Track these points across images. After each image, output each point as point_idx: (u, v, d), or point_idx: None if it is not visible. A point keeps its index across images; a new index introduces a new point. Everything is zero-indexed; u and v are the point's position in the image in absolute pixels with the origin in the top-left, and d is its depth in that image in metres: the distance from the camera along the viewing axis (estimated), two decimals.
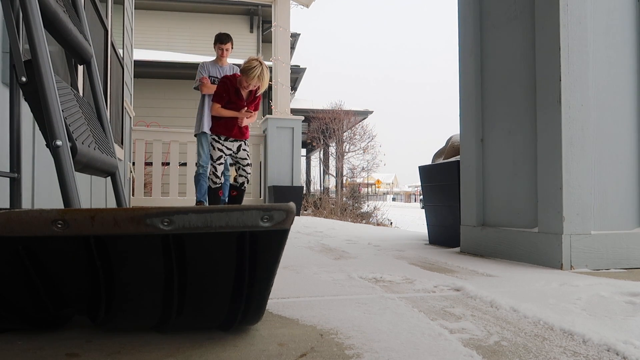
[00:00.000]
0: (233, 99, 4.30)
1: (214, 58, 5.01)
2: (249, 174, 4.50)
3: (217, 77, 4.90)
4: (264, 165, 6.37)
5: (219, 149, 4.39)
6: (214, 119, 4.40)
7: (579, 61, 1.80)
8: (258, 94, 4.43)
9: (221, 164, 4.41)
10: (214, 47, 4.95)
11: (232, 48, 4.97)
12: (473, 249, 2.29)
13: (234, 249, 0.74)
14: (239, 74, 4.34)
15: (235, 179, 4.50)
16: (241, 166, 4.47)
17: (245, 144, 4.47)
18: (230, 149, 4.45)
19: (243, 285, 0.78)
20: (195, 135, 4.96)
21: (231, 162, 4.55)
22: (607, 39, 1.89)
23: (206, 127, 4.80)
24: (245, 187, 4.50)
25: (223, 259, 0.76)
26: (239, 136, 4.43)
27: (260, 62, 4.14)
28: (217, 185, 4.46)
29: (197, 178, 4.94)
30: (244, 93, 4.35)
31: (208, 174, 4.41)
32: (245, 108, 4.34)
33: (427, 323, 1.00)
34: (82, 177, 2.85)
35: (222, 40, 4.89)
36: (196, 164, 4.94)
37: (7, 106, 1.31)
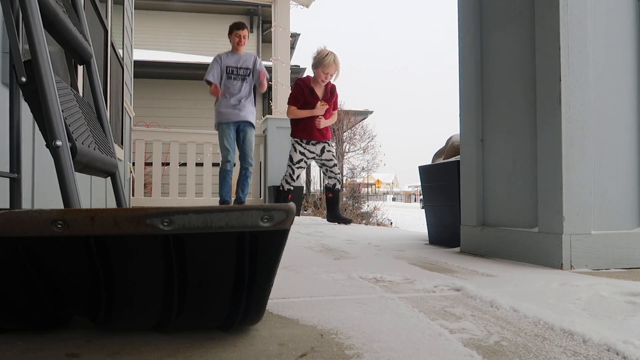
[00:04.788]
0: (309, 99, 4.29)
1: (228, 50, 4.78)
2: (338, 173, 4.45)
3: (235, 67, 4.65)
4: (264, 165, 6.38)
5: (300, 152, 4.33)
6: (293, 122, 4.38)
7: (579, 61, 1.80)
8: (335, 90, 4.39)
9: (300, 167, 4.34)
10: (229, 37, 4.72)
11: (248, 37, 4.77)
12: (473, 249, 2.28)
13: (234, 249, 0.74)
14: (310, 75, 4.36)
15: (327, 182, 4.50)
16: (328, 168, 4.44)
17: (329, 145, 4.42)
18: (314, 152, 4.38)
19: (243, 285, 0.78)
20: (215, 128, 4.78)
21: (319, 165, 4.54)
22: (607, 39, 1.89)
23: (222, 118, 4.61)
24: (338, 188, 4.48)
25: (223, 259, 0.76)
26: (320, 138, 4.36)
27: (329, 50, 4.26)
28: (289, 188, 4.36)
29: (223, 175, 4.69)
30: (319, 91, 4.35)
31: (284, 176, 4.36)
32: (320, 102, 4.30)
33: (427, 323, 1.00)
34: (82, 177, 2.85)
35: (238, 26, 4.69)
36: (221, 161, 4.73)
37: (7, 106, 1.31)
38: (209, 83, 4.64)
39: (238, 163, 4.84)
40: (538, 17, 1.91)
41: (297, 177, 4.46)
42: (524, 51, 2.01)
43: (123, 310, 0.82)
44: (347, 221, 4.50)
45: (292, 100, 4.35)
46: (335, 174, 4.42)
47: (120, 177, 1.64)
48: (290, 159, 4.35)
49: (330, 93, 4.41)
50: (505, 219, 2.12)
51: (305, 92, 4.29)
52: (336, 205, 4.52)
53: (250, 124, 4.71)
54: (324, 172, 4.55)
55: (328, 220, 4.59)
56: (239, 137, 4.71)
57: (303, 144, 4.34)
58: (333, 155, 4.41)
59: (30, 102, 1.14)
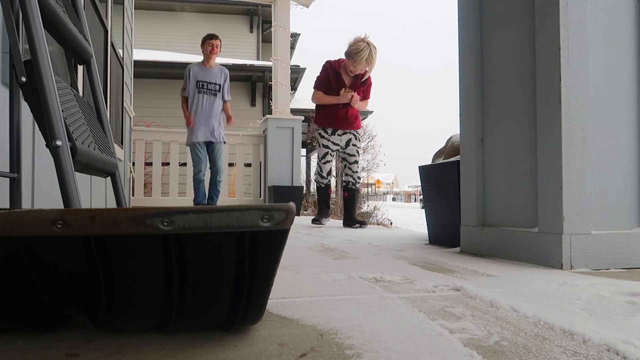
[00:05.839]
0: (334, 84, 3.93)
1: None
2: (356, 172, 4.09)
3: (205, 81, 4.65)
4: (263, 165, 6.38)
5: (323, 145, 4.01)
6: (316, 108, 4.07)
7: (579, 61, 1.80)
8: (365, 78, 3.96)
9: (327, 162, 4.06)
10: (202, 48, 4.72)
11: (220, 47, 4.76)
12: (473, 249, 2.29)
13: (234, 249, 0.74)
14: (343, 58, 3.93)
15: (344, 180, 4.18)
16: (347, 164, 4.10)
17: (356, 138, 4.07)
18: (338, 145, 4.04)
19: (243, 285, 0.78)
20: (187, 146, 4.83)
21: (342, 157, 4.18)
22: (607, 39, 1.89)
23: (193, 137, 4.64)
24: (356, 187, 4.13)
25: (223, 259, 0.76)
26: (345, 126, 4.00)
27: (367, 42, 3.78)
28: (326, 183, 4.12)
29: (196, 183, 4.78)
30: (347, 79, 3.96)
31: (314, 175, 4.16)
32: (344, 89, 3.91)
33: (427, 323, 1.00)
34: (82, 177, 2.85)
35: (211, 36, 4.68)
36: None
37: (7, 106, 1.31)
38: (185, 98, 4.73)
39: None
40: (538, 17, 1.91)
41: (329, 172, 4.12)
42: (524, 51, 2.01)
43: (123, 310, 0.82)
44: (361, 224, 4.17)
45: (317, 84, 3.99)
46: (352, 172, 4.08)
47: (120, 177, 1.64)
48: (317, 155, 4.12)
49: (361, 82, 3.97)
50: (505, 219, 2.12)
51: (330, 76, 3.92)
52: (351, 207, 4.17)
53: (219, 142, 4.78)
54: (343, 167, 4.19)
55: (343, 224, 4.24)
56: (209, 150, 4.77)
57: (327, 135, 4.00)
58: (357, 151, 4.06)
59: (30, 102, 1.14)
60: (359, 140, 4.12)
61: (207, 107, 4.65)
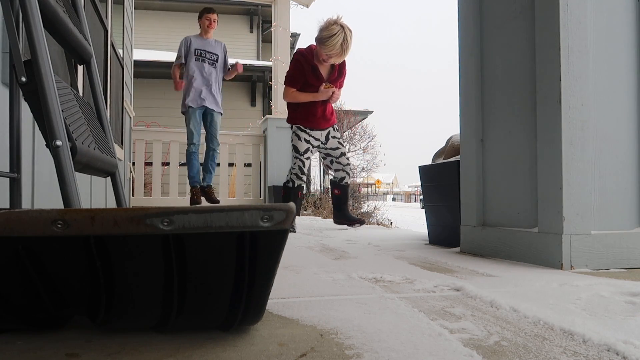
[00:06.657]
0: (311, 80, 3.43)
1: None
2: (347, 164, 3.66)
3: (205, 50, 4.68)
4: (264, 165, 6.38)
5: (305, 140, 3.52)
6: (290, 107, 3.58)
7: (579, 61, 1.80)
8: (341, 67, 3.49)
9: (308, 158, 3.59)
10: (199, 22, 4.74)
11: (217, 22, 4.78)
12: (473, 249, 2.28)
13: (234, 249, 0.74)
14: (314, 45, 3.41)
15: (334, 176, 3.77)
16: (334, 159, 3.68)
17: (334, 129, 3.64)
18: (319, 140, 3.60)
19: (243, 285, 0.78)
20: (182, 113, 4.68)
21: (323, 155, 3.74)
22: (607, 39, 1.89)
23: (191, 101, 4.55)
24: (347, 183, 3.71)
25: (223, 259, 0.76)
26: (324, 125, 3.57)
27: (342, 25, 3.27)
28: (300, 184, 3.59)
29: (189, 157, 4.65)
30: (324, 70, 3.48)
31: (291, 171, 3.60)
32: (324, 84, 3.45)
33: (427, 323, 1.00)
34: (82, 177, 2.85)
35: (208, 10, 4.70)
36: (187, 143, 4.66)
37: (7, 106, 1.31)
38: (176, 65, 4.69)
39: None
40: (538, 17, 1.91)
41: (308, 169, 3.75)
42: (524, 51, 2.01)
43: (123, 310, 0.82)
44: (359, 222, 3.86)
45: (290, 81, 3.48)
46: (344, 165, 3.65)
47: (120, 177, 1.64)
48: (296, 149, 3.54)
49: (339, 72, 3.53)
50: (505, 219, 2.12)
51: (306, 70, 3.42)
52: (344, 204, 3.81)
53: (217, 111, 4.74)
54: (328, 165, 3.75)
55: (335, 221, 3.92)
56: (206, 120, 4.72)
57: (307, 131, 3.55)
58: (339, 142, 3.65)
59: (30, 102, 1.14)
60: (337, 131, 3.71)
61: (207, 74, 4.67)
